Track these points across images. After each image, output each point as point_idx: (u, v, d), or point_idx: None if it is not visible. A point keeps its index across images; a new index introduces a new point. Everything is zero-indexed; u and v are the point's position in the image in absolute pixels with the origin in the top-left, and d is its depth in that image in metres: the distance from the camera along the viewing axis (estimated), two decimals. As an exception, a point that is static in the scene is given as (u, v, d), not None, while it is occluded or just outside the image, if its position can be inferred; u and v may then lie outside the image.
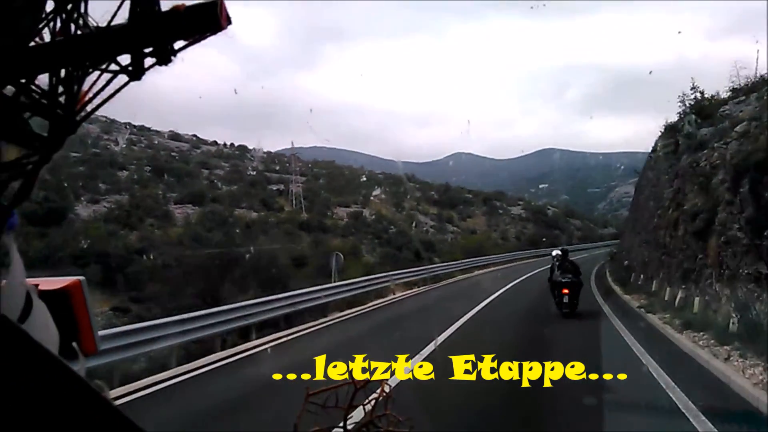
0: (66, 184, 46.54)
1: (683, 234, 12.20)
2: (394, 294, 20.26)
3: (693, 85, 15.85)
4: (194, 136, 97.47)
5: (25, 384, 0.55)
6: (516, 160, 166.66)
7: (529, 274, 27.80)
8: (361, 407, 1.40)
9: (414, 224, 61.90)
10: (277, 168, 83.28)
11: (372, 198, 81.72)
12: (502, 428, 6.08)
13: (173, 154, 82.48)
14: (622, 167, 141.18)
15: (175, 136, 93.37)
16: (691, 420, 6.06)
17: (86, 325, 1.02)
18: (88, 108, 0.71)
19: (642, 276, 16.49)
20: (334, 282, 16.39)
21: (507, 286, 22.28)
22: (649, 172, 19.57)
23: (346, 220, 72.60)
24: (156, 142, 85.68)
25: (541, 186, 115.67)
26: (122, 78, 0.70)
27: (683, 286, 11.39)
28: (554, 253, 15.35)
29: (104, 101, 0.72)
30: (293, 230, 62.62)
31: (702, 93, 15.69)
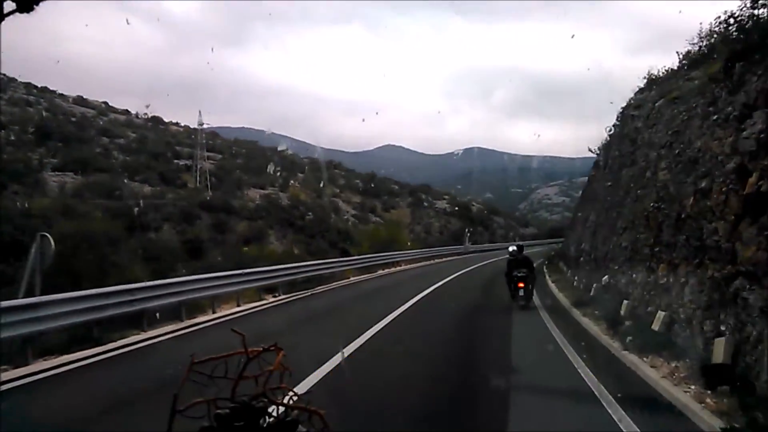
0: None
1: None
2: (211, 316, 11.11)
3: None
4: (104, 103, 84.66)
5: None
6: (444, 156, 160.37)
7: (443, 282, 19.50)
8: (254, 379, 1.18)
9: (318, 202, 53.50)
10: (188, 142, 72.15)
11: (291, 182, 72.73)
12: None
13: (73, 119, 70.55)
14: (533, 171, 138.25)
15: (80, 101, 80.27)
16: None
17: None
18: None
19: (666, 323, 7.33)
20: (23, 297, 7.08)
21: (409, 304, 13.78)
22: (639, 133, 11.50)
23: (258, 203, 63.00)
24: (56, 105, 73.06)
25: (458, 186, 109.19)
26: (9, 6, 0.56)
27: None
28: (511, 248, 15.25)
29: None
30: (191, 209, 52.77)
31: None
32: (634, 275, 9.16)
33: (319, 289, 17.06)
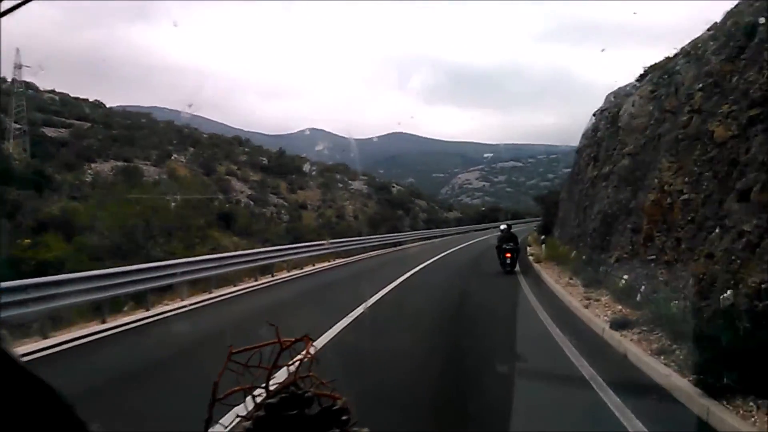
0: None
1: None
2: None
3: None
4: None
5: None
6: (367, 141, 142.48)
7: None
8: (285, 368, 1.17)
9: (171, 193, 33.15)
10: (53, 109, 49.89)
11: (173, 157, 52.40)
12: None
13: None
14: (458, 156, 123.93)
15: None
16: None
17: None
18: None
19: None
20: None
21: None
22: None
23: (106, 176, 42.39)
24: None
25: (380, 171, 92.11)
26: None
27: None
28: (502, 227, 17.08)
29: None
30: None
31: None
32: None
33: None
